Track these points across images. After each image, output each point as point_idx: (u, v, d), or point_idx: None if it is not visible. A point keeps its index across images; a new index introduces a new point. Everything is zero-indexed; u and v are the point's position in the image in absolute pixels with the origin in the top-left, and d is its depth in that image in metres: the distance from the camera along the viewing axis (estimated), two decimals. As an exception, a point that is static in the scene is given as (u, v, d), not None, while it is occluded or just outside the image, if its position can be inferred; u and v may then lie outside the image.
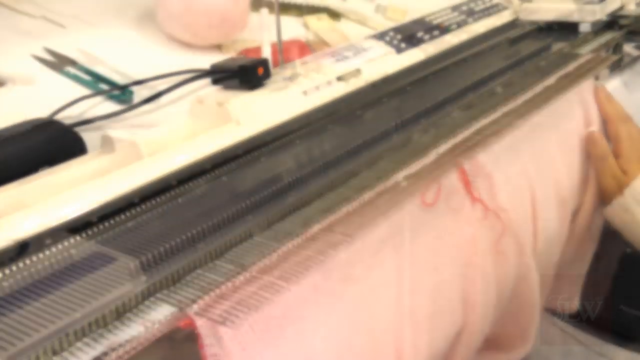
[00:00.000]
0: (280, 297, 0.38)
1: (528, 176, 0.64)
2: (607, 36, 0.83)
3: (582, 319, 0.90)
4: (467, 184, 0.55)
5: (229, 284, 0.36)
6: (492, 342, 0.64)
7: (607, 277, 0.89)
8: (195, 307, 0.34)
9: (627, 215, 0.63)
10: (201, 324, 0.34)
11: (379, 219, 0.46)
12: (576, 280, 0.84)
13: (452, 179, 0.53)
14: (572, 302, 0.83)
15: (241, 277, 0.36)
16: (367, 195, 0.46)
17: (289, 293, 0.39)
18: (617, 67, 0.82)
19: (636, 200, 0.63)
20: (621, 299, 0.88)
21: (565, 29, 0.82)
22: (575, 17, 0.81)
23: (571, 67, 0.71)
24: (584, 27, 0.80)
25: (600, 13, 0.81)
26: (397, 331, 0.47)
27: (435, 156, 0.52)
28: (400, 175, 0.49)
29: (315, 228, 0.41)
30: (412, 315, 0.49)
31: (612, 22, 0.84)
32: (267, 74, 0.53)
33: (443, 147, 0.53)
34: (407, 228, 0.49)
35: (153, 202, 0.43)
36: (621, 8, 0.86)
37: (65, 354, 0.30)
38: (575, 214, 0.77)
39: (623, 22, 0.85)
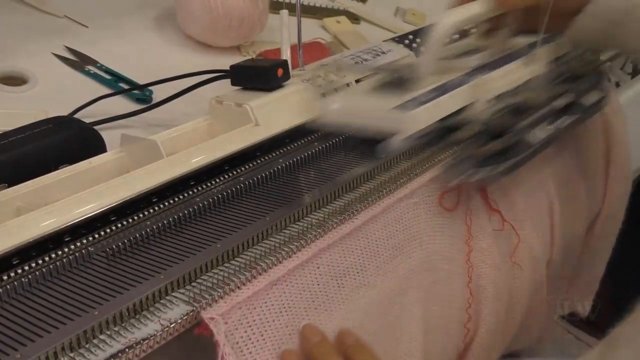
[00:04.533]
0: (293, 303, 0.38)
1: (547, 189, 0.63)
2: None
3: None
4: (485, 194, 0.54)
5: (244, 287, 0.36)
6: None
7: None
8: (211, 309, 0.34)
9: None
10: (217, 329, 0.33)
11: (394, 223, 0.46)
12: (590, 286, 0.84)
13: (470, 188, 0.53)
14: (584, 306, 0.83)
15: (255, 280, 0.36)
16: (386, 200, 0.45)
17: (302, 299, 0.39)
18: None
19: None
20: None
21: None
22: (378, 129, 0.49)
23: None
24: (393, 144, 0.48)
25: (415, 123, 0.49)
26: (408, 340, 0.47)
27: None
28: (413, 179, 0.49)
29: (331, 232, 0.41)
30: (425, 323, 0.48)
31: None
32: (286, 76, 0.53)
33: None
34: (422, 233, 0.48)
35: (171, 201, 0.43)
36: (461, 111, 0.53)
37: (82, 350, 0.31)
38: (591, 224, 0.77)
39: (461, 134, 0.51)
